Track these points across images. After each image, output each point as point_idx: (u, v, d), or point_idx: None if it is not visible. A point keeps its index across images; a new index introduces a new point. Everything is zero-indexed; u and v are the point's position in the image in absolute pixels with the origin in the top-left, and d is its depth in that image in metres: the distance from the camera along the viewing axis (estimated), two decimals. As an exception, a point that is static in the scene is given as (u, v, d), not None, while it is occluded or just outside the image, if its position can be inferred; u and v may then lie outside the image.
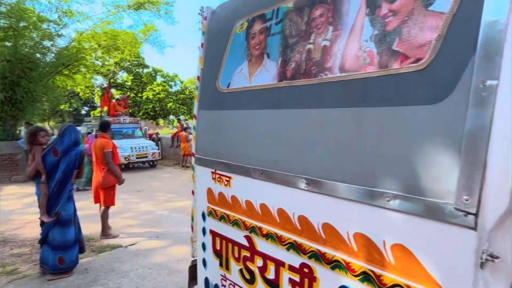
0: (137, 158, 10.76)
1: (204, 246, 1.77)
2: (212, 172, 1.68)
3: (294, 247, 1.23)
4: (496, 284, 0.80)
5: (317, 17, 1.20)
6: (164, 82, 22.55)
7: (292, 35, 1.30)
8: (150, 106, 20.95)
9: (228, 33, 1.65)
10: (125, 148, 10.46)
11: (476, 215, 0.78)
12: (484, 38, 0.78)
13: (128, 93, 20.73)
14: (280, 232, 1.30)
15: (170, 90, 22.43)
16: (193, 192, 1.89)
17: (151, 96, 21.16)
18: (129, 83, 21.88)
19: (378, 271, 0.97)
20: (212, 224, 1.69)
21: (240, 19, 1.59)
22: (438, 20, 0.87)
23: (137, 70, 21.91)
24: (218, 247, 1.65)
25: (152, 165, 11.59)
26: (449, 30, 0.84)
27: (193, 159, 1.86)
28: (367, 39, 1.03)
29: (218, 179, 1.63)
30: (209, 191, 1.71)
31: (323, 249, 1.13)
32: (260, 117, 1.41)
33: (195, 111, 1.87)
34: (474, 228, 0.78)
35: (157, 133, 14.74)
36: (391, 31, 0.97)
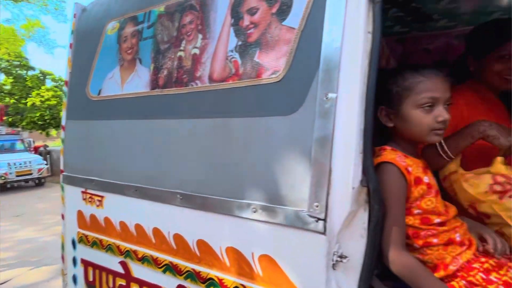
0: (17, 176, 9.02)
1: (75, 279, 1.52)
2: (83, 192, 1.45)
3: (170, 268, 1.14)
4: (346, 281, 0.86)
5: (187, 23, 1.15)
6: (55, 87, 19.61)
7: (164, 41, 1.22)
8: (38, 115, 17.92)
9: (98, 33, 1.47)
10: (0, 164, 8.67)
11: (325, 220, 0.82)
12: (325, 55, 0.84)
13: (8, 99, 17.39)
14: (156, 254, 1.18)
15: (63, 96, 19.65)
16: (62, 216, 1.61)
17: (38, 103, 18.16)
18: (8, 87, 18.39)
19: (248, 284, 0.96)
20: (84, 252, 1.46)
21: (112, 20, 1.43)
22: (290, 35, 0.91)
23: (19, 72, 18.58)
24: (90, 279, 1.43)
25: (38, 183, 9.88)
26: (299, 45, 0.89)
27: (61, 177, 1.59)
28: (232, 49, 1.02)
29: (90, 200, 1.42)
30: (80, 214, 1.48)
31: (198, 268, 1.07)
32: (132, 128, 1.28)
33: (62, 121, 1.61)
34: (324, 233, 0.83)
35: (46, 146, 12.72)
36: (253, 42, 0.98)
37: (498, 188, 0.93)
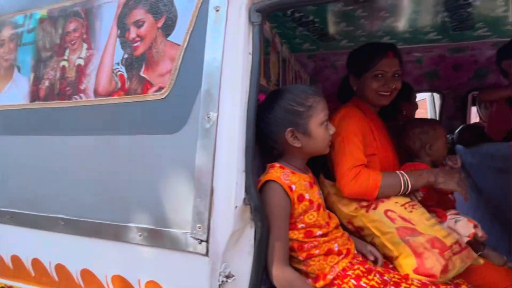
0: None
1: None
2: None
3: (51, 304, 1.01)
4: (235, 300, 0.85)
5: (71, 31, 1.05)
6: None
7: (46, 48, 1.10)
8: None
9: (-29, 35, 1.26)
10: None
11: (207, 241, 0.81)
12: (206, 73, 0.83)
13: None
14: (35, 288, 1.05)
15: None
16: None
17: None
18: None
19: (134, 314, 0.89)
20: None
21: (-13, 20, 1.25)
22: (175, 51, 0.88)
23: None
24: (-44, 324, 1.20)
25: None
26: (183, 62, 0.87)
27: None
28: (118, 62, 0.96)
29: (-44, 230, 1.20)
30: None
31: (81, 300, 0.97)
32: (8, 144, 1.12)
33: None
34: (206, 254, 0.81)
35: None
36: (139, 56, 0.93)
37: (364, 203, 1.03)
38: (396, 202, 1.02)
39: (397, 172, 1.06)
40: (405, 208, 1.00)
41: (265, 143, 0.98)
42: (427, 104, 2.46)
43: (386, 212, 0.99)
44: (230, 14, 0.83)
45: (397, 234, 0.95)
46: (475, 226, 1.11)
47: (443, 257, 0.90)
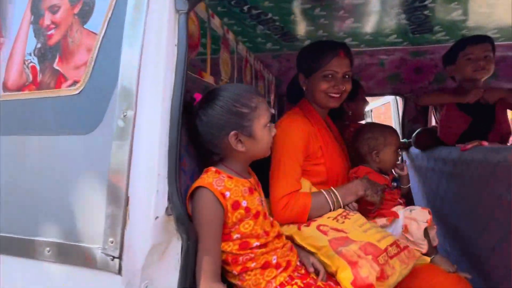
0: None
1: None
2: None
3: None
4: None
5: (-20, 16, 0.93)
6: None
7: (-47, 35, 0.96)
8: None
9: None
10: None
11: (120, 257, 0.71)
12: (124, 66, 0.73)
13: None
14: None
15: None
16: None
17: None
18: None
19: None
20: None
21: None
22: (92, 41, 0.78)
23: None
24: None
25: None
26: (99, 54, 0.77)
27: None
28: (31, 52, 0.85)
29: None
30: None
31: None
32: None
33: None
34: (119, 273, 0.71)
35: None
36: (53, 46, 0.82)
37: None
38: (329, 217, 0.97)
39: (328, 190, 1.06)
40: (337, 220, 0.95)
41: (203, 146, 0.89)
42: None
43: (318, 227, 0.94)
44: (153, 0, 0.74)
45: (330, 247, 0.88)
46: (429, 213, 1.13)
47: (377, 263, 0.84)
